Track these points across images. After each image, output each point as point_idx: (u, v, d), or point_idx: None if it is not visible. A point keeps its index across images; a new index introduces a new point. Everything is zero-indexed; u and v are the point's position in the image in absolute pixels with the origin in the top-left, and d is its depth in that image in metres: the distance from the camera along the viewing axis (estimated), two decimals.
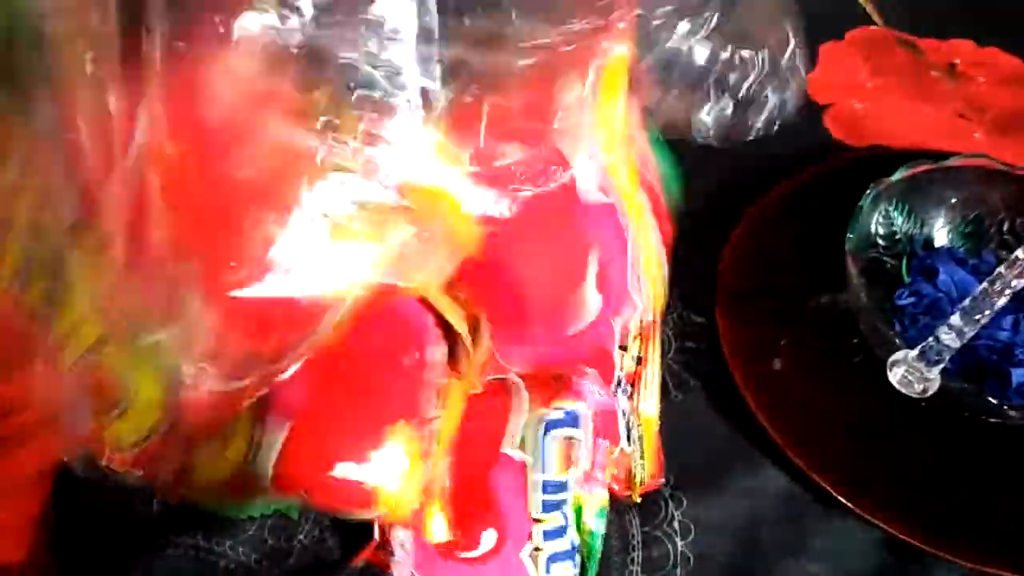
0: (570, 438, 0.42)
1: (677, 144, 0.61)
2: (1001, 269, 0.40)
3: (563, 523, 0.42)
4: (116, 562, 0.45)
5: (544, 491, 0.41)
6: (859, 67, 0.67)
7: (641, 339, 0.48)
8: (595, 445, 0.43)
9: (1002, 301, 0.40)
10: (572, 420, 0.42)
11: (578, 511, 0.42)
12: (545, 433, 0.41)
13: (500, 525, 0.41)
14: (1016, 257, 0.40)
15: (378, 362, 0.41)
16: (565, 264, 0.45)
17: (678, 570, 0.44)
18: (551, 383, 0.43)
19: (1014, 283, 0.40)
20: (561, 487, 0.42)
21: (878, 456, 0.48)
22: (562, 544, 0.42)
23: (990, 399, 0.43)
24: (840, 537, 0.45)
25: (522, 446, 0.41)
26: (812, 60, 0.67)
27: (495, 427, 0.42)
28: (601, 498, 0.43)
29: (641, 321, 0.48)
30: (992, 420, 0.45)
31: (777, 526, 0.46)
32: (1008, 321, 0.49)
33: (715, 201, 0.58)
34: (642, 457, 0.46)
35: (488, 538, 0.41)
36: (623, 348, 0.48)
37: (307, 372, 0.38)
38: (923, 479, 0.47)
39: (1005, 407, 0.43)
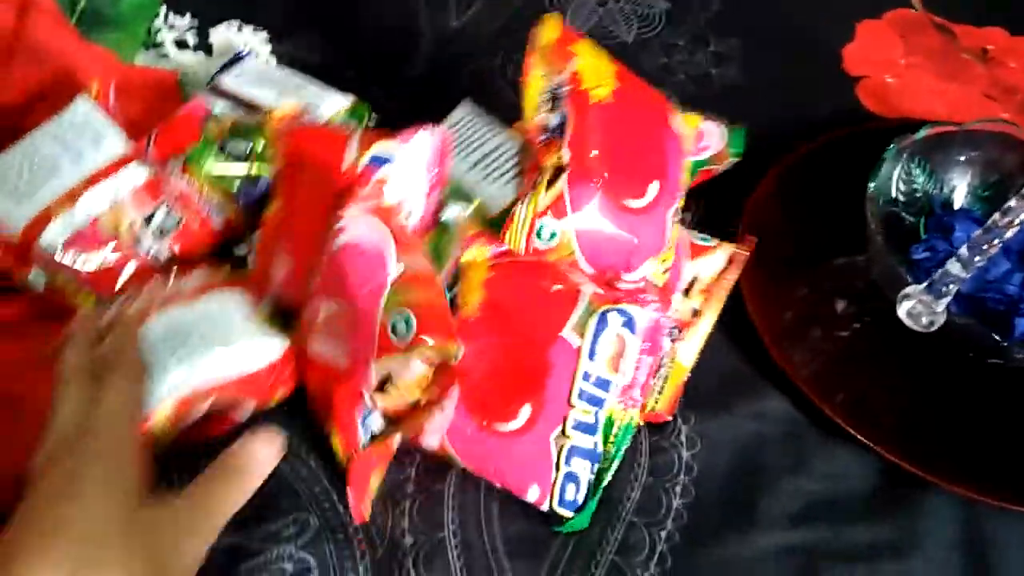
0: (622, 337, 0.44)
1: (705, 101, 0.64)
2: (1012, 202, 0.42)
3: (593, 422, 0.44)
4: None
5: (587, 380, 0.44)
6: (895, 45, 0.70)
7: (706, 295, 0.50)
8: (639, 360, 0.45)
9: (1010, 233, 0.42)
10: (628, 322, 0.44)
11: (609, 422, 0.45)
12: (602, 324, 0.44)
13: (538, 402, 0.44)
14: None
15: None
16: (651, 143, 0.49)
17: (681, 476, 0.47)
18: (617, 289, 0.46)
19: (1022, 215, 0.41)
20: (604, 384, 0.44)
21: (880, 389, 0.50)
22: (587, 442, 0.44)
23: (994, 335, 0.44)
24: (838, 461, 0.47)
25: (579, 331, 0.44)
26: (850, 35, 0.70)
27: (560, 311, 0.44)
28: (632, 416, 0.45)
29: (713, 280, 0.51)
30: (992, 361, 0.47)
31: (778, 446, 0.48)
32: (1017, 278, 0.51)
33: (744, 156, 0.60)
34: (660, 393, 0.49)
35: (524, 413, 0.44)
36: (686, 293, 0.50)
37: None
38: (922, 413, 0.49)
39: (1007, 344, 0.45)
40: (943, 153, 0.55)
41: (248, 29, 0.70)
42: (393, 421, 0.42)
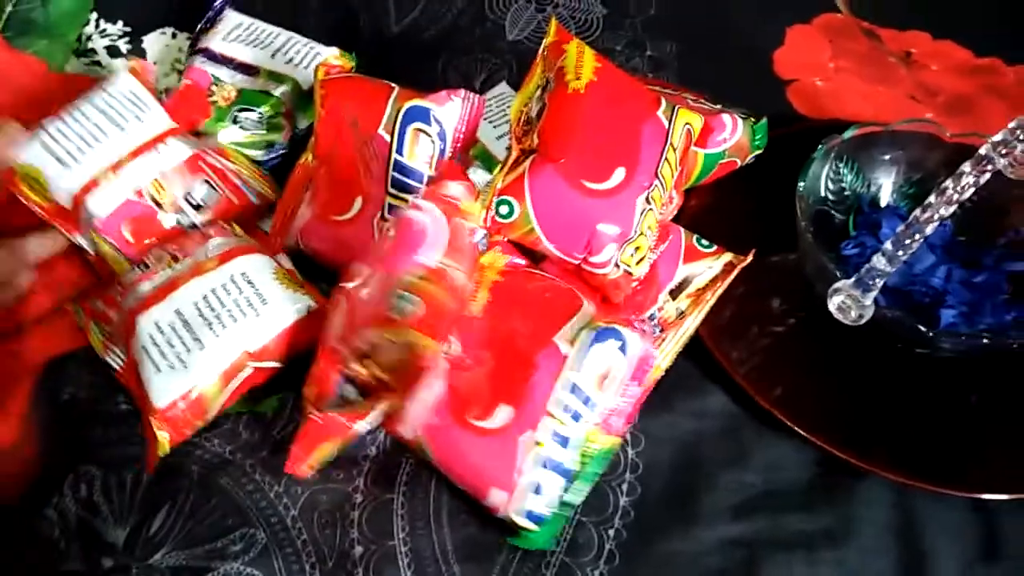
0: (613, 358, 0.44)
1: None
2: (931, 198, 0.44)
3: (570, 436, 0.44)
4: (90, 448, 0.47)
5: (570, 390, 0.44)
6: (823, 49, 0.72)
7: (694, 300, 0.51)
8: (627, 387, 0.45)
9: (930, 228, 0.44)
10: (622, 345, 0.45)
11: (586, 442, 0.44)
12: (596, 339, 0.44)
13: (517, 404, 0.44)
14: (944, 187, 0.43)
15: None
16: (624, 131, 0.49)
17: (627, 474, 0.48)
18: (614, 310, 0.48)
19: (941, 210, 0.43)
20: (587, 401, 0.44)
21: (815, 382, 0.51)
22: (561, 456, 0.44)
23: (920, 327, 0.46)
24: (776, 453, 0.49)
25: (571, 341, 0.45)
26: (780, 39, 0.72)
27: (557, 318, 0.45)
28: (611, 442, 0.45)
29: (704, 285, 0.52)
30: (920, 351, 0.49)
31: (719, 441, 0.49)
32: (942, 271, 0.53)
33: None
34: None
35: (500, 413, 0.44)
36: (672, 295, 0.51)
37: None
38: (854, 403, 0.51)
39: (933, 334, 0.46)
40: (869, 153, 0.57)
41: (182, 36, 0.69)
42: (363, 395, 0.43)
